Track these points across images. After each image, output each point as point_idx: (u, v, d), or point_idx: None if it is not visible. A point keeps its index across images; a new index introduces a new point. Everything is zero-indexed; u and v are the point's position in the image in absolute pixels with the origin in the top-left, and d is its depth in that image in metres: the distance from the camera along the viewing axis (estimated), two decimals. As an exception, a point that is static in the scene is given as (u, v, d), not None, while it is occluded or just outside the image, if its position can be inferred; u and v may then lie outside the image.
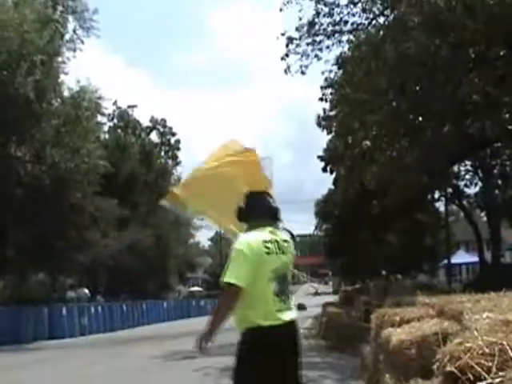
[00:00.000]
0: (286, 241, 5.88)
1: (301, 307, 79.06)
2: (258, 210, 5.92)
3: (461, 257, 58.67)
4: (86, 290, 39.53)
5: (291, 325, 5.73)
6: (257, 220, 5.89)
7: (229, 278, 5.52)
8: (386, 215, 38.19)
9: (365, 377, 11.73)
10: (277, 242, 5.77)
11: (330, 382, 12.72)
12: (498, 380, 3.41)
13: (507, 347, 3.70)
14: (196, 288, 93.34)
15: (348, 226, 48.34)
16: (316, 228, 76.36)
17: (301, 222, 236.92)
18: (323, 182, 63.57)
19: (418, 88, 22.69)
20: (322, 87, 28.93)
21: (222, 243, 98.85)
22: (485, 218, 42.78)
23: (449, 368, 3.78)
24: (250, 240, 5.69)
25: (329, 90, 28.32)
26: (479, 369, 3.63)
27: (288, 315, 5.68)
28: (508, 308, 6.41)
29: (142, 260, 48.86)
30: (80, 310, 33.69)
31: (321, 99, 28.41)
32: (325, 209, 57.07)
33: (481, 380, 3.56)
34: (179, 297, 74.62)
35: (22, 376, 15.95)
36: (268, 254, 5.64)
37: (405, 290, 17.96)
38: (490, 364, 3.63)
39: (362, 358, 13.31)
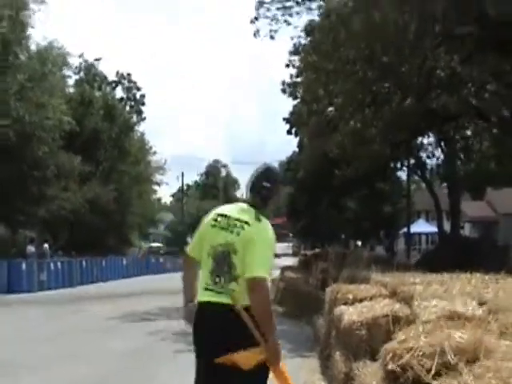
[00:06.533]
0: (240, 220, 5.21)
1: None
2: (249, 185, 5.52)
3: (421, 226, 59.28)
4: (47, 245, 39.41)
5: (211, 307, 5.12)
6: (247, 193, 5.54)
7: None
8: (348, 183, 38.46)
9: (317, 349, 11.95)
10: (229, 218, 5.29)
11: (284, 352, 12.81)
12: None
13: (447, 349, 3.85)
14: (156, 244, 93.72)
15: (309, 192, 48.64)
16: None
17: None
18: (287, 145, 64.13)
19: (385, 59, 22.73)
20: (290, 52, 29.00)
21: (183, 200, 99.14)
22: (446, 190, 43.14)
23: (390, 366, 3.92)
24: (211, 212, 5.51)
25: (296, 57, 28.38)
26: (420, 368, 3.78)
27: (213, 297, 5.12)
28: (458, 293, 6.61)
29: (102, 215, 48.83)
30: (39, 265, 33.67)
31: (287, 65, 28.48)
32: (288, 171, 57.34)
33: (420, 381, 3.71)
34: (139, 253, 74.64)
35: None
36: (213, 226, 5.33)
37: (362, 262, 18.20)
38: (431, 364, 3.78)
39: (315, 329, 13.54)
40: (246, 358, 4.82)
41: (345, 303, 8.91)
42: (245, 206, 5.36)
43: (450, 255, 23.66)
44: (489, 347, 3.99)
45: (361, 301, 8.54)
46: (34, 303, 25.59)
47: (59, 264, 35.84)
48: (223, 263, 5.13)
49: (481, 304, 6.31)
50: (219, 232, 5.22)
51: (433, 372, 3.69)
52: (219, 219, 5.29)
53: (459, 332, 4.12)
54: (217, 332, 5.01)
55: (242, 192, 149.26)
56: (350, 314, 7.66)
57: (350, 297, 8.94)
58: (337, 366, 8.04)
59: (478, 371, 3.51)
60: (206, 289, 5.16)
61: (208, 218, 5.39)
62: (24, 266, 31.90)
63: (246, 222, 5.16)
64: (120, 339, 14.91)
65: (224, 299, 5.04)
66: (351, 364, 7.21)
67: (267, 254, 5.04)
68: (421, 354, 3.84)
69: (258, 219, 5.18)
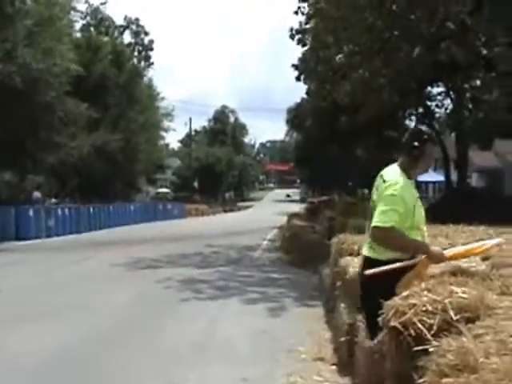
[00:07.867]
0: (384, 180, 5.73)
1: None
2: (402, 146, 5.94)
3: (428, 175, 59.08)
4: (38, 193, 39.44)
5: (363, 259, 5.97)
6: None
7: None
8: (355, 130, 38.29)
9: (322, 299, 12.01)
10: (380, 179, 5.82)
11: (289, 301, 12.92)
12: (436, 343, 3.59)
13: (448, 306, 3.88)
14: (164, 189, 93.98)
15: (317, 139, 48.53)
16: (286, 135, 77.01)
17: (272, 127, 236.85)
18: (296, 89, 63.74)
19: (395, 7, 22.53)
20: (298, -1, 28.57)
21: (191, 145, 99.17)
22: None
23: (393, 323, 3.95)
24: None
25: (305, 4, 27.98)
26: (421, 326, 3.81)
27: (364, 249, 5.95)
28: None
29: (110, 162, 48.83)
30: (47, 211, 33.80)
31: (296, 12, 28.07)
32: (296, 119, 57.15)
33: (421, 338, 3.75)
34: (147, 197, 74.92)
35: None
36: (374, 187, 5.90)
37: (369, 212, 18.23)
38: (432, 322, 3.81)
39: (320, 279, 13.61)
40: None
41: (350, 254, 8.93)
42: (394, 166, 5.82)
43: (456, 206, 23.67)
44: (490, 305, 4.03)
45: (366, 252, 8.53)
46: (41, 250, 25.73)
47: (67, 210, 36.00)
48: (371, 219, 5.73)
49: (484, 259, 6.33)
50: (374, 192, 5.87)
51: (434, 330, 3.73)
52: (376, 181, 5.86)
53: (461, 289, 4.14)
54: (360, 281, 5.93)
55: (250, 137, 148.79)
56: (355, 266, 7.66)
57: (356, 248, 8.91)
58: (341, 317, 8.09)
59: (478, 331, 3.56)
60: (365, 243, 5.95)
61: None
62: (32, 212, 32.04)
63: (385, 181, 5.68)
64: (127, 287, 14.99)
65: (367, 251, 5.84)
66: (355, 315, 7.24)
67: (388, 206, 5.50)
68: (423, 311, 3.87)
69: (395, 177, 5.64)
